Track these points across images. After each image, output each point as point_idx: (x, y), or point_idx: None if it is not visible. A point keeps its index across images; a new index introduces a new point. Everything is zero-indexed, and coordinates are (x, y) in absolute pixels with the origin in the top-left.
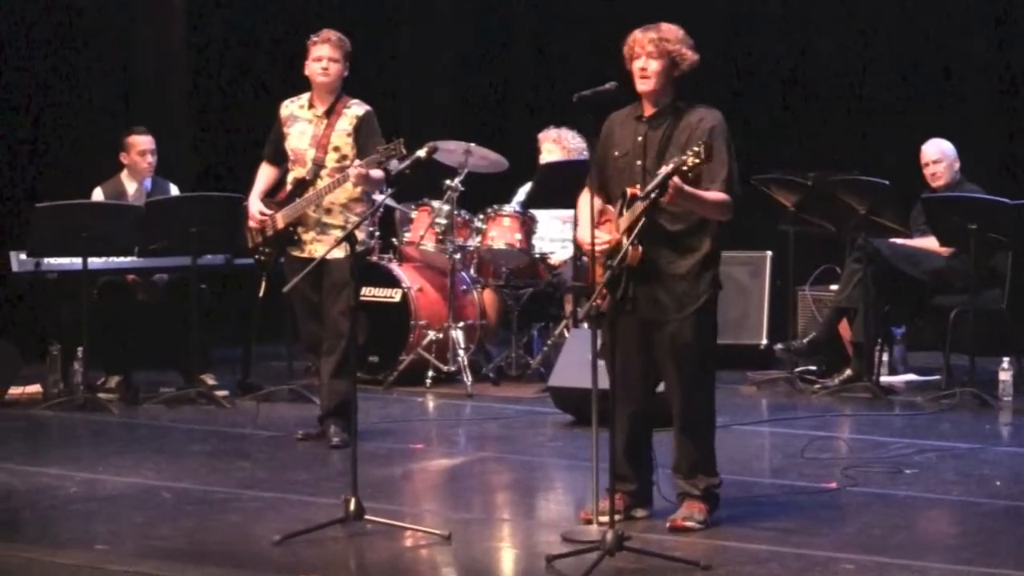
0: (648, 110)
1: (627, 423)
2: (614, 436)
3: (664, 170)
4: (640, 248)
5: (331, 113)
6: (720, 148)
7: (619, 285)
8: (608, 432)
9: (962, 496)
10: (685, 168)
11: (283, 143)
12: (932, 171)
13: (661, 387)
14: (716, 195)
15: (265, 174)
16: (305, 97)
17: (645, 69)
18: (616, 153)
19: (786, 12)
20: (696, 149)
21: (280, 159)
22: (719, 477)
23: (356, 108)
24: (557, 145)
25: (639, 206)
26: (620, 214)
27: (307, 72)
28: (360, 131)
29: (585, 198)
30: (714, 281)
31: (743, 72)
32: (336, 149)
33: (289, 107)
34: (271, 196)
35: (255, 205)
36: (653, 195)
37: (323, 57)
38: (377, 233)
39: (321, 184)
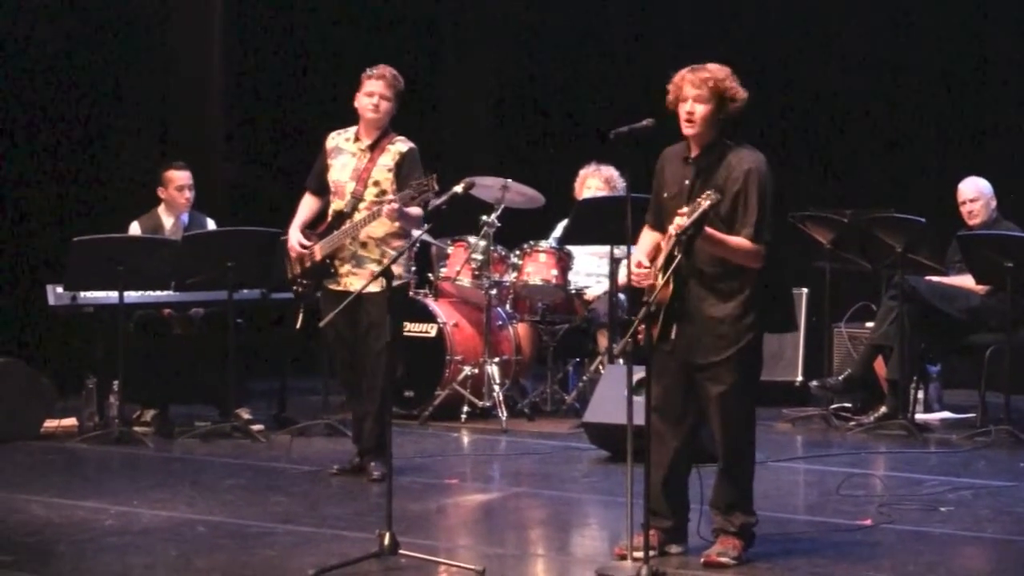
0: (695, 151)
1: (666, 460)
2: (650, 472)
3: (704, 206)
4: (670, 285)
5: (375, 148)
6: (752, 193)
7: (656, 322)
8: (644, 468)
9: (997, 534)
10: (699, 211)
11: (326, 174)
12: (969, 209)
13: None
14: (740, 241)
15: (307, 205)
16: (352, 130)
17: (692, 113)
18: (665, 195)
19: (822, 50)
20: (709, 192)
21: (323, 190)
22: (756, 516)
23: (400, 144)
24: (607, 185)
25: (669, 241)
26: None
27: (357, 105)
28: (402, 167)
29: (644, 232)
30: (756, 324)
31: (780, 109)
32: (376, 184)
33: (335, 139)
34: (312, 228)
35: (295, 235)
36: (689, 232)
37: (375, 93)
38: (413, 268)
39: (358, 217)
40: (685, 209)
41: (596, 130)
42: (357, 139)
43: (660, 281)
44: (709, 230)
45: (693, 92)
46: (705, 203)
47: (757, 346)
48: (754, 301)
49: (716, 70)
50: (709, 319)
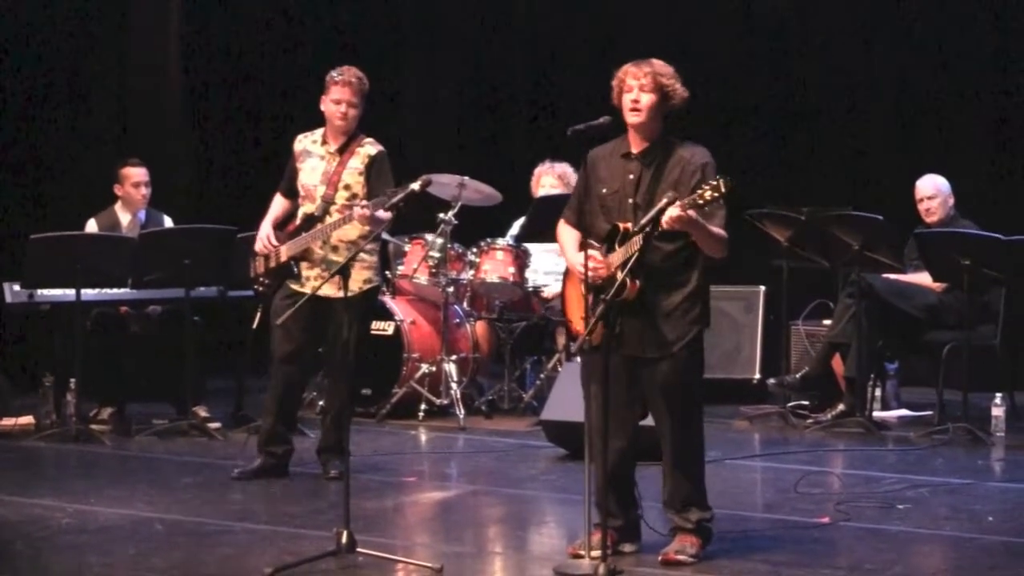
0: (637, 145)
1: (612, 457)
2: (597, 471)
3: (661, 203)
4: (637, 283)
5: (344, 151)
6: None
7: (611, 319)
8: (589, 467)
9: (954, 531)
10: (701, 202)
11: (296, 178)
12: (926, 207)
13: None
14: (717, 230)
15: (278, 204)
16: (319, 132)
17: (637, 101)
18: (604, 191)
19: (779, 46)
20: (714, 183)
21: (294, 194)
22: (711, 511)
23: (369, 147)
24: (561, 182)
25: (636, 240)
26: (612, 249)
27: (324, 109)
28: (371, 170)
29: (565, 228)
30: (700, 318)
31: (737, 106)
32: (347, 187)
33: (303, 142)
34: (280, 228)
35: (266, 230)
36: (647, 229)
37: (342, 100)
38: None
39: (329, 220)
40: (682, 201)
41: (555, 127)
42: (325, 142)
43: (622, 276)
44: (696, 217)
45: (636, 82)
46: (663, 200)
47: (701, 339)
48: (699, 295)
49: (659, 65)
50: (655, 313)
